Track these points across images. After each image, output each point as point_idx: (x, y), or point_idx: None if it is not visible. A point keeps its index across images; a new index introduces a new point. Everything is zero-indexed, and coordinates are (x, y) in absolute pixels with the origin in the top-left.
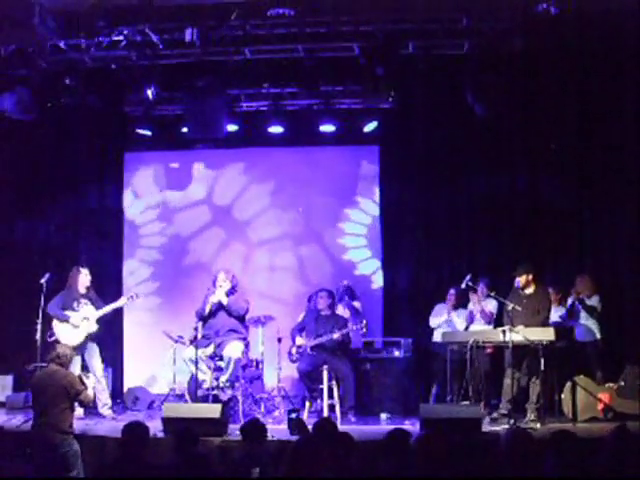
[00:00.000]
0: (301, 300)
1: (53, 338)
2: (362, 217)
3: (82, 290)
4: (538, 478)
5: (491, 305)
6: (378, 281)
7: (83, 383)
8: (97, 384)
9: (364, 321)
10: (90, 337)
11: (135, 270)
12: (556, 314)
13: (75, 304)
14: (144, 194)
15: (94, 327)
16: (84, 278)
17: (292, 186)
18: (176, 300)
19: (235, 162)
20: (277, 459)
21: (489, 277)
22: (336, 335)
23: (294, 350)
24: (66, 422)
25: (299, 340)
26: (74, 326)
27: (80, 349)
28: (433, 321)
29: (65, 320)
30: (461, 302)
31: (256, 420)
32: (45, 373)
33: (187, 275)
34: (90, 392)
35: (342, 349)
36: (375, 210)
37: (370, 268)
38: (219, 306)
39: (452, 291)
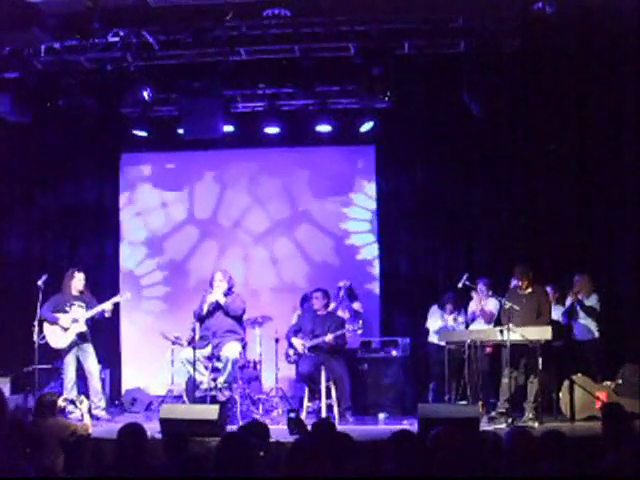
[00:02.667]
0: (296, 299)
1: (44, 341)
2: (358, 218)
3: (75, 293)
4: (538, 477)
5: (492, 305)
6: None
7: (84, 420)
8: (91, 387)
9: (360, 322)
10: (83, 338)
11: (132, 270)
12: (555, 313)
13: (67, 306)
14: (141, 194)
15: (83, 328)
16: (77, 283)
17: (289, 186)
18: (173, 301)
19: (231, 163)
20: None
21: (487, 276)
22: (327, 338)
23: (291, 352)
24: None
25: (295, 341)
26: (63, 328)
27: (73, 350)
28: (430, 323)
29: (54, 322)
30: (459, 305)
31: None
32: (39, 427)
33: (185, 275)
34: (87, 419)
35: (337, 350)
36: (371, 210)
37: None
38: (216, 306)
39: (449, 299)
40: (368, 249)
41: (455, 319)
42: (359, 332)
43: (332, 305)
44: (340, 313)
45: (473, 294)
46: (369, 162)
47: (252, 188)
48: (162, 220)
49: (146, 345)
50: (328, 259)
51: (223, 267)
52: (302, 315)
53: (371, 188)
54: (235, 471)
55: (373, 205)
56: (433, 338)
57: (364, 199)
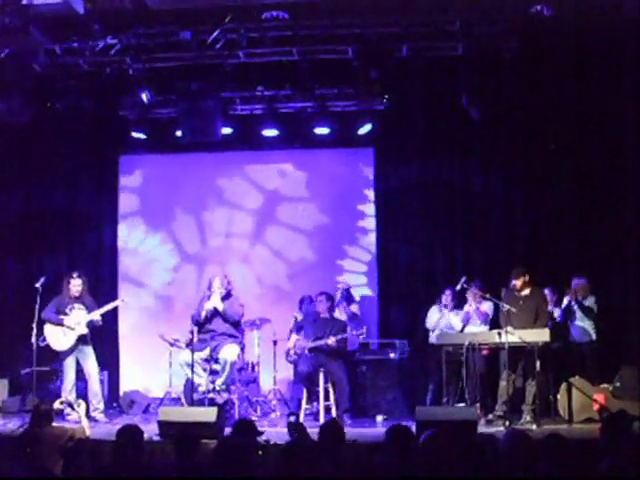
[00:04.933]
0: (295, 301)
1: (44, 343)
2: (357, 220)
3: (73, 296)
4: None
5: (486, 306)
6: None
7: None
8: (90, 389)
9: (364, 327)
10: (84, 340)
11: (130, 272)
12: (553, 315)
13: (67, 309)
14: (140, 196)
15: (84, 330)
16: (73, 288)
17: (288, 189)
18: (172, 304)
19: (229, 165)
20: None
21: (484, 278)
22: (330, 341)
23: (292, 351)
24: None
25: (294, 337)
26: (69, 328)
27: (74, 352)
28: (429, 322)
29: (59, 323)
30: (457, 302)
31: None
32: (37, 436)
33: (184, 278)
34: (84, 422)
35: (338, 352)
36: (370, 212)
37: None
38: (214, 312)
39: (448, 292)
40: (365, 252)
41: (456, 314)
42: (362, 337)
43: None
44: (337, 314)
45: (468, 295)
46: (368, 164)
47: (250, 190)
48: (161, 222)
49: (144, 347)
50: (322, 262)
51: (222, 271)
52: (303, 317)
53: (369, 190)
54: (233, 474)
55: (371, 207)
56: (433, 339)
57: (362, 202)
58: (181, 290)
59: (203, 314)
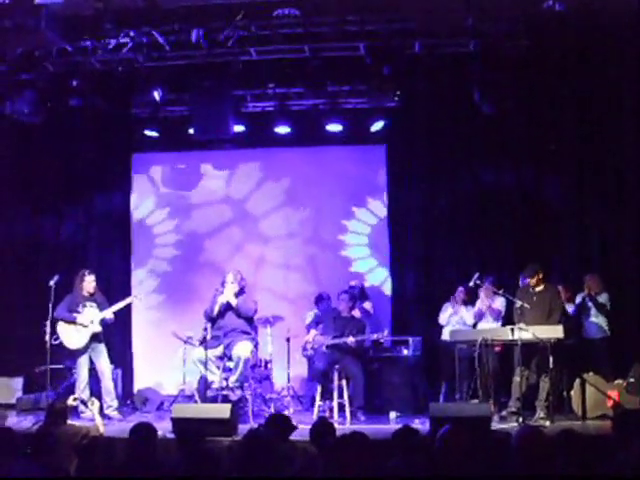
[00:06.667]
0: (308, 298)
1: (58, 341)
2: (369, 217)
3: (85, 294)
4: (549, 475)
5: (499, 302)
6: (377, 281)
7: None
8: (103, 387)
9: (385, 330)
10: (97, 338)
11: (144, 271)
12: (566, 311)
13: (79, 307)
14: (152, 194)
15: (98, 328)
16: (88, 285)
17: (299, 186)
18: (185, 301)
19: (242, 163)
20: None
21: (496, 275)
22: (350, 340)
23: (309, 345)
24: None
25: (313, 332)
26: (82, 325)
27: (87, 351)
28: (442, 318)
29: (72, 321)
30: (470, 299)
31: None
32: (52, 434)
33: (196, 275)
34: (98, 420)
35: (355, 350)
36: (382, 209)
37: (368, 267)
38: (227, 307)
39: (461, 288)
40: (376, 248)
41: (467, 310)
42: (382, 341)
43: None
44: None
45: (479, 292)
46: (380, 161)
47: (263, 188)
48: (174, 219)
49: (158, 345)
50: (336, 261)
51: (235, 268)
52: (323, 313)
53: (382, 188)
54: (256, 470)
55: (383, 205)
56: (445, 336)
57: (375, 199)
58: (195, 288)
59: (216, 308)
